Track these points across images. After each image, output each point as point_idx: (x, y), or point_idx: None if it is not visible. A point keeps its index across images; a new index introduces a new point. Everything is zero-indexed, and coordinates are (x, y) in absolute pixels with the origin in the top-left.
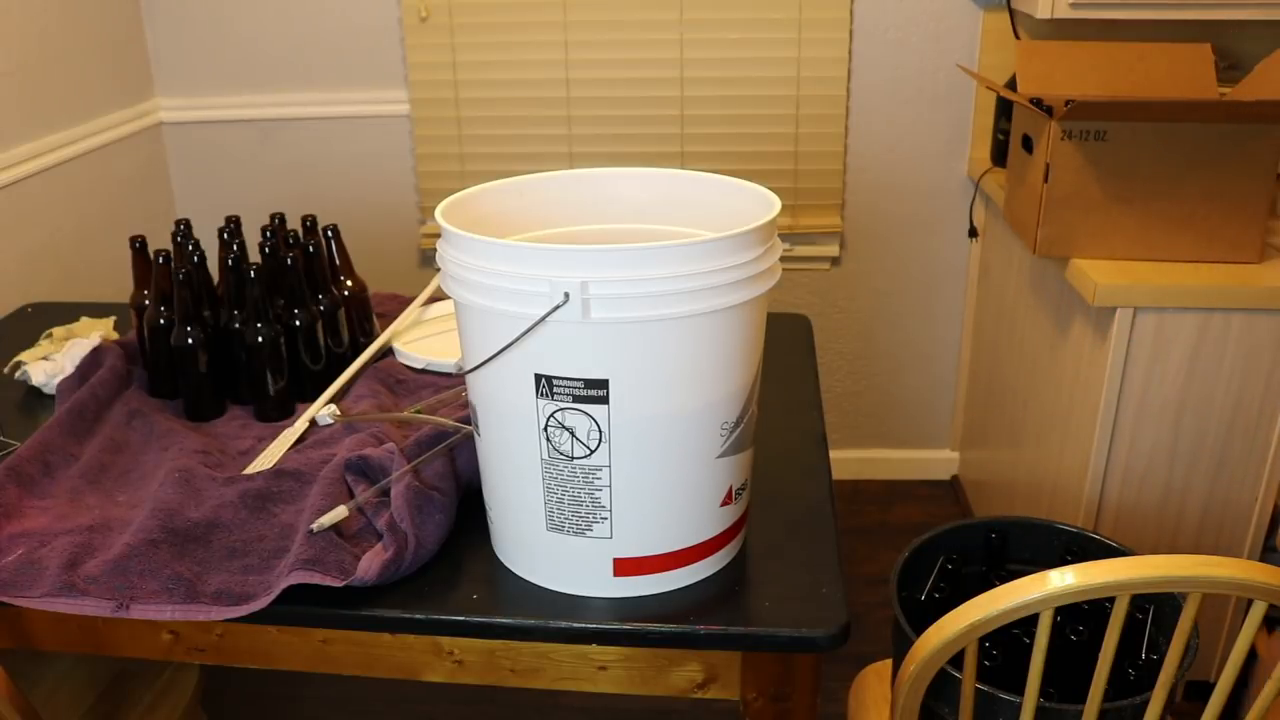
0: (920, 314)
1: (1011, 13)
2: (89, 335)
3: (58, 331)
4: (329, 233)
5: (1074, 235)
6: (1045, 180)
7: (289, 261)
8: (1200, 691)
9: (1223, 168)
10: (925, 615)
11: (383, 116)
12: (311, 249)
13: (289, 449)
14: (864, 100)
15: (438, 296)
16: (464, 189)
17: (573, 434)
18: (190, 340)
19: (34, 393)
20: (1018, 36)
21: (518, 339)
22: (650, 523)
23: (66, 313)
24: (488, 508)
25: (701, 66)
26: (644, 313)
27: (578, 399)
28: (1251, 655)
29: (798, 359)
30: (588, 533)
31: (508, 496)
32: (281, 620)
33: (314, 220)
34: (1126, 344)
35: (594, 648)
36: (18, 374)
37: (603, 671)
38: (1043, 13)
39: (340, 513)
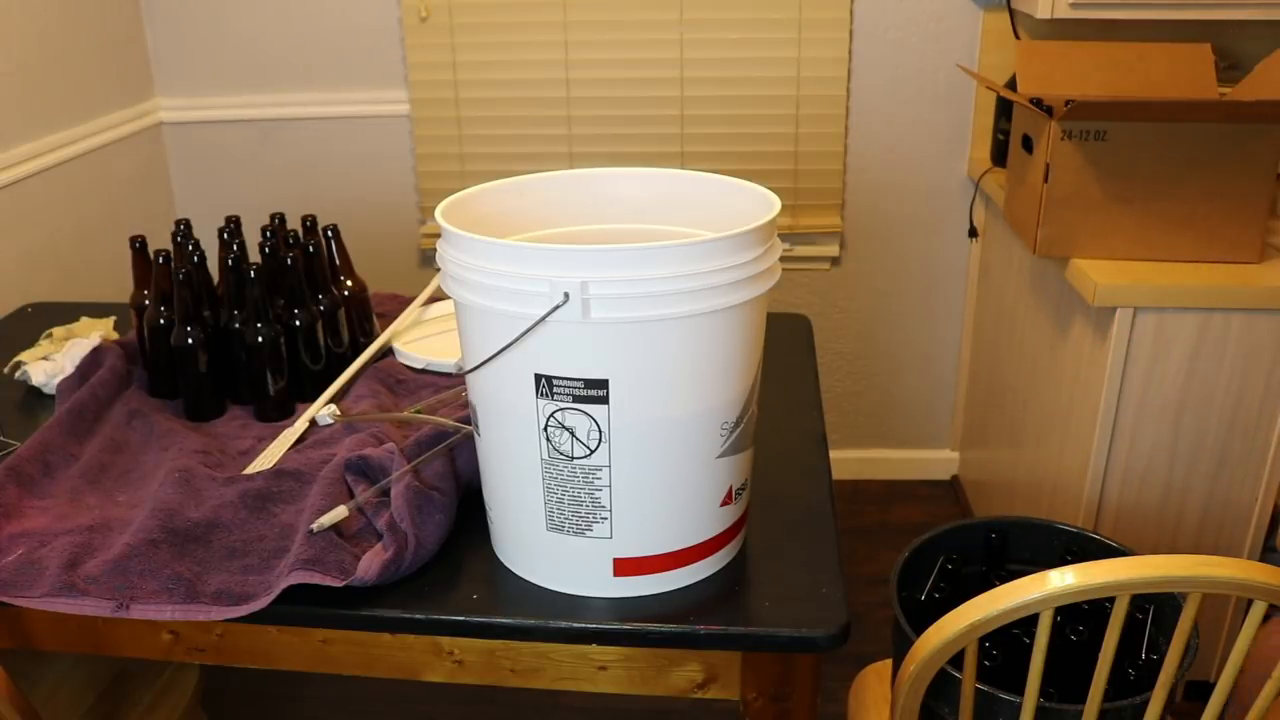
0: (920, 314)
1: (1011, 13)
2: (89, 335)
3: (58, 331)
4: (329, 233)
5: (1074, 235)
6: (1045, 180)
7: (289, 261)
8: (1200, 691)
9: (1223, 168)
10: (925, 615)
11: (383, 116)
12: (311, 249)
13: (289, 449)
14: (864, 100)
15: (438, 296)
16: (464, 189)
17: (573, 434)
18: (190, 340)
19: (34, 393)
20: (1018, 36)
21: (518, 339)
22: (650, 523)
23: (66, 313)
24: (488, 508)
25: (701, 66)
26: (644, 313)
27: (578, 399)
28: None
29: (798, 359)
30: (588, 533)
31: (508, 496)
32: (281, 620)
33: (314, 220)
34: (1126, 344)
35: (594, 648)
36: (18, 374)
37: (603, 671)
38: (1043, 13)
39: (340, 513)
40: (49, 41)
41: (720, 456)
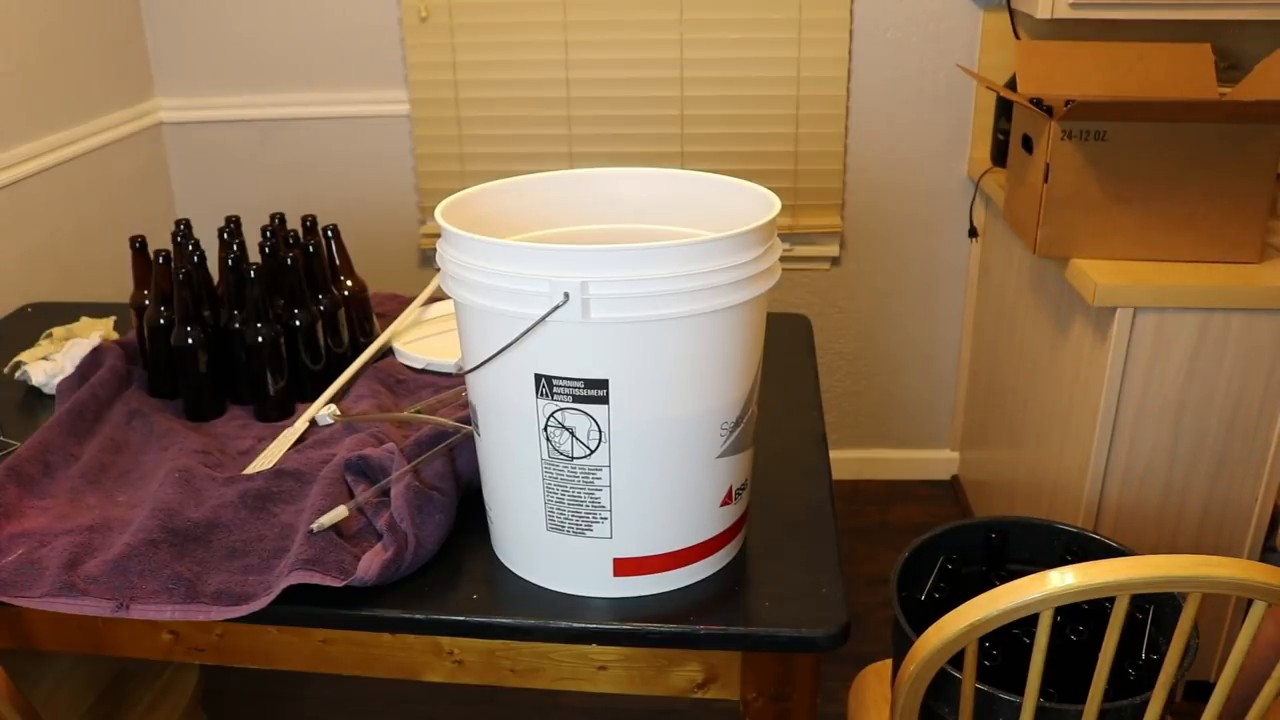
0: (920, 314)
1: (1011, 13)
2: (89, 335)
3: (58, 331)
4: (329, 233)
5: (1074, 235)
6: (1045, 180)
7: (289, 261)
8: (1200, 691)
9: (1223, 168)
10: (925, 615)
11: (383, 116)
12: (311, 249)
13: (289, 449)
14: (864, 100)
15: (438, 296)
16: (464, 189)
17: (573, 434)
18: (190, 340)
19: (34, 393)
20: (1018, 36)
21: (518, 339)
22: (650, 523)
23: (66, 313)
24: (488, 508)
25: (701, 66)
26: (644, 313)
27: (578, 399)
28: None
29: (798, 359)
30: (588, 533)
31: (508, 496)
32: (281, 620)
33: (314, 220)
34: (1126, 344)
35: (594, 648)
36: (18, 374)
37: (603, 671)
38: (1043, 13)
39: (340, 513)
40: (49, 41)
41: (720, 456)
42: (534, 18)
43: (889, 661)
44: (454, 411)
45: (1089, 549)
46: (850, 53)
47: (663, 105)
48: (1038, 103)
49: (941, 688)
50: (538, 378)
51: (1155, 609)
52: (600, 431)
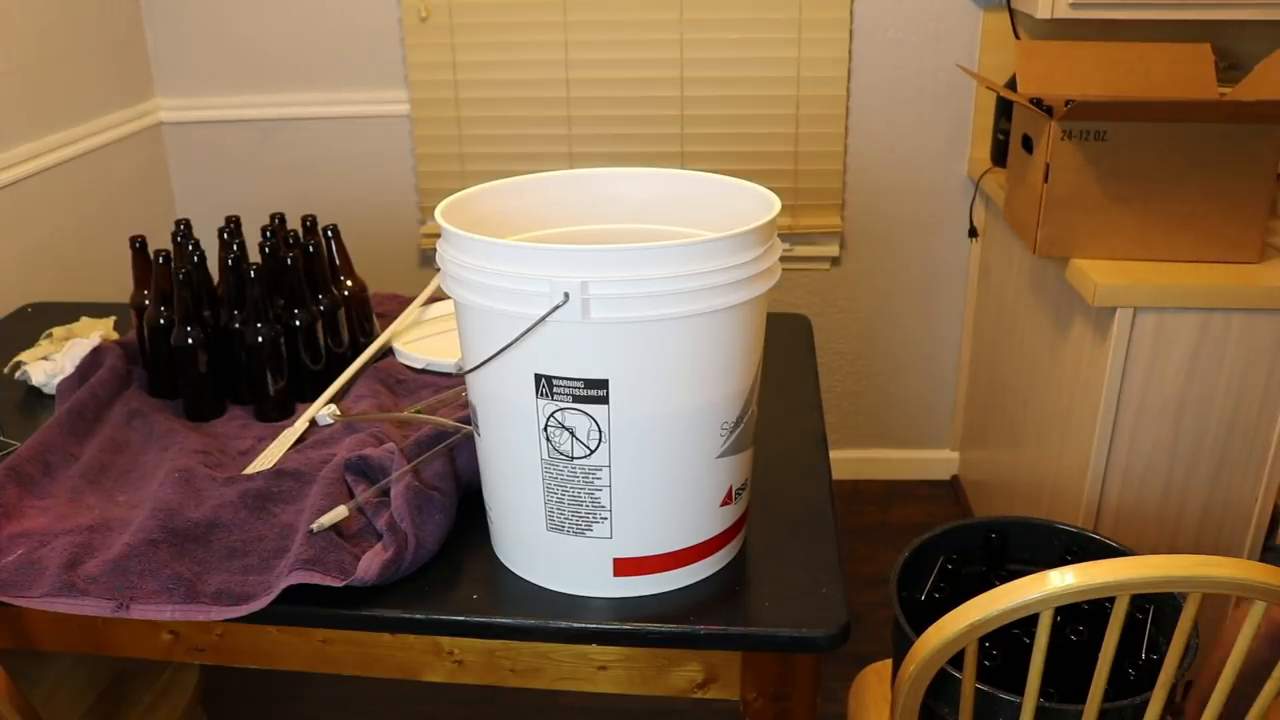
0: (920, 314)
1: (1011, 13)
2: (89, 335)
3: (58, 331)
4: (329, 233)
5: (1074, 235)
6: (1045, 180)
7: (289, 261)
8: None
9: (1223, 168)
10: (925, 615)
11: (383, 116)
12: (311, 249)
13: (289, 449)
14: (864, 100)
15: (438, 296)
16: (464, 189)
17: (573, 434)
18: (190, 340)
19: (34, 393)
20: (1018, 36)
21: (518, 339)
22: (650, 523)
23: (66, 313)
24: (488, 508)
25: (701, 66)
26: (644, 313)
27: (578, 399)
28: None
29: (798, 359)
30: (588, 533)
31: (508, 496)
32: (281, 620)
33: (314, 220)
34: (1126, 344)
35: (594, 648)
36: (18, 374)
37: (603, 671)
38: (1043, 13)
39: (340, 513)
40: (49, 41)
41: (720, 456)
42: (534, 18)
43: (889, 661)
44: (454, 411)
45: (1089, 549)
46: (850, 53)
47: (663, 105)
48: (1038, 103)
49: (941, 688)
50: (538, 378)
51: (1155, 609)
52: (600, 431)
